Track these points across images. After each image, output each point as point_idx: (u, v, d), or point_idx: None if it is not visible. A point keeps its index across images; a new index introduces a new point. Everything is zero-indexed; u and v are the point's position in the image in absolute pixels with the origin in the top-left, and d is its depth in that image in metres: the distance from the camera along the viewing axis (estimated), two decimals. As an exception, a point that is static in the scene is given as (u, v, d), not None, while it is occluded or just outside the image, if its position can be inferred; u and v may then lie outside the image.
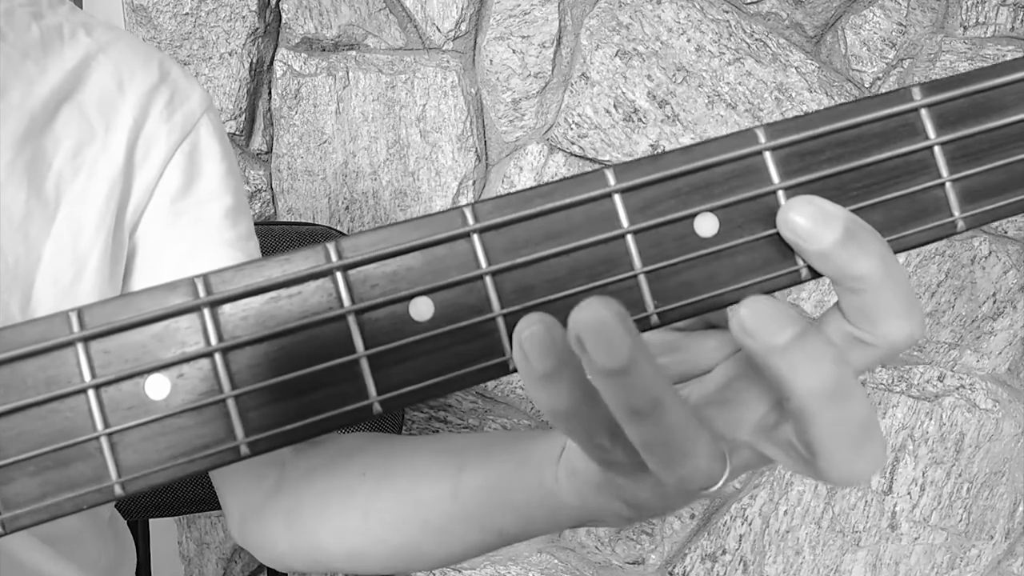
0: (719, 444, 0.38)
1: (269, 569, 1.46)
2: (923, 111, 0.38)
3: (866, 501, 1.77)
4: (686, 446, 0.36)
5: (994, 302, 1.72)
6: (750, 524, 1.78)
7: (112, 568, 0.80)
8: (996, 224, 1.69)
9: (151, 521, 1.44)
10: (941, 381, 1.75)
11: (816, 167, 0.37)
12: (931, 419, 1.75)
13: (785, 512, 1.77)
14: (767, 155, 0.37)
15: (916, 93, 0.38)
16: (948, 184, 0.38)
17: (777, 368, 0.34)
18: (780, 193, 0.37)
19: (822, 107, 1.58)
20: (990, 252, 1.70)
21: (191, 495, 1.35)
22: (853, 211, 0.37)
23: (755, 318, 0.34)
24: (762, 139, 0.37)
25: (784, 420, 0.38)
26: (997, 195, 0.38)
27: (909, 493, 1.77)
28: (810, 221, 0.36)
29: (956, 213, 0.38)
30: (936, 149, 0.38)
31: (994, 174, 0.38)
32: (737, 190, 0.37)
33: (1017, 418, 1.75)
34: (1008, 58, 1.60)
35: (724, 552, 1.79)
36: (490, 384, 1.73)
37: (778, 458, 0.39)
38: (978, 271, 1.70)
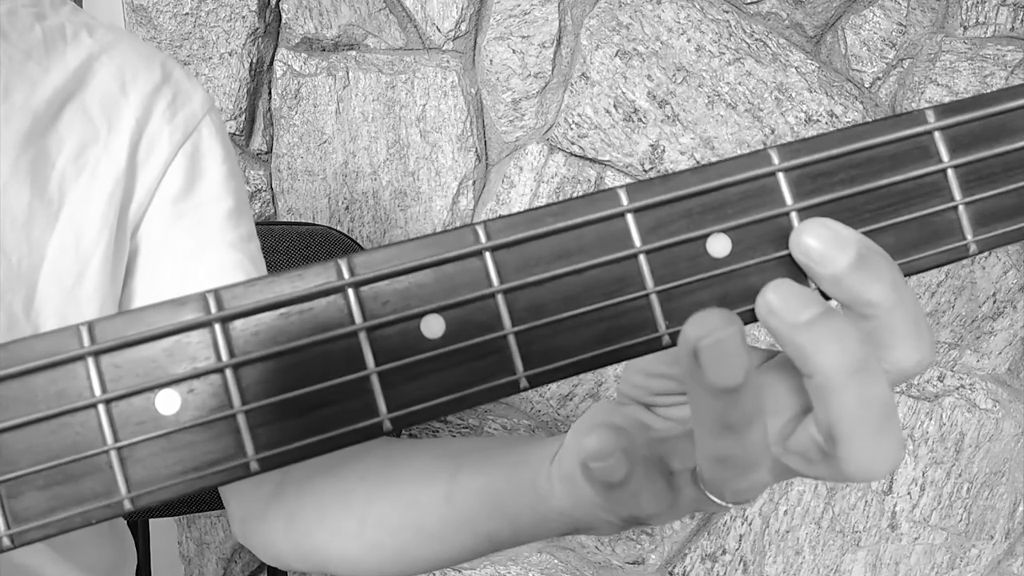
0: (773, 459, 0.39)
1: (269, 569, 1.46)
2: (936, 134, 0.38)
3: (866, 501, 1.77)
4: (757, 459, 0.37)
5: (994, 302, 1.72)
6: (750, 524, 1.78)
7: (112, 569, 0.80)
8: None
9: (151, 521, 1.44)
10: (941, 381, 1.75)
11: (829, 188, 0.37)
12: (931, 419, 1.75)
13: (785, 512, 1.77)
14: (780, 176, 0.37)
15: (930, 116, 0.38)
16: (961, 207, 0.38)
17: (802, 344, 0.34)
18: (793, 214, 0.37)
19: (822, 107, 1.59)
20: (990, 252, 1.70)
21: (191, 495, 1.34)
22: (865, 233, 0.37)
23: (780, 298, 0.35)
24: (775, 160, 0.37)
25: (803, 424, 0.38)
26: (1010, 218, 0.38)
27: (909, 493, 1.77)
28: (823, 244, 0.36)
29: (969, 236, 0.38)
30: (949, 172, 0.38)
31: (1007, 197, 0.38)
32: (750, 211, 0.37)
33: (1017, 418, 1.75)
34: (1008, 58, 1.60)
35: (724, 552, 1.79)
36: (490, 384, 1.73)
37: (797, 465, 0.39)
38: (978, 271, 1.70)
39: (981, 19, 1.65)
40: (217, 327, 0.34)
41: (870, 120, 0.38)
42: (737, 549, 1.79)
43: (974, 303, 1.72)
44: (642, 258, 0.36)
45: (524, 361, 0.35)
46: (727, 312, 0.32)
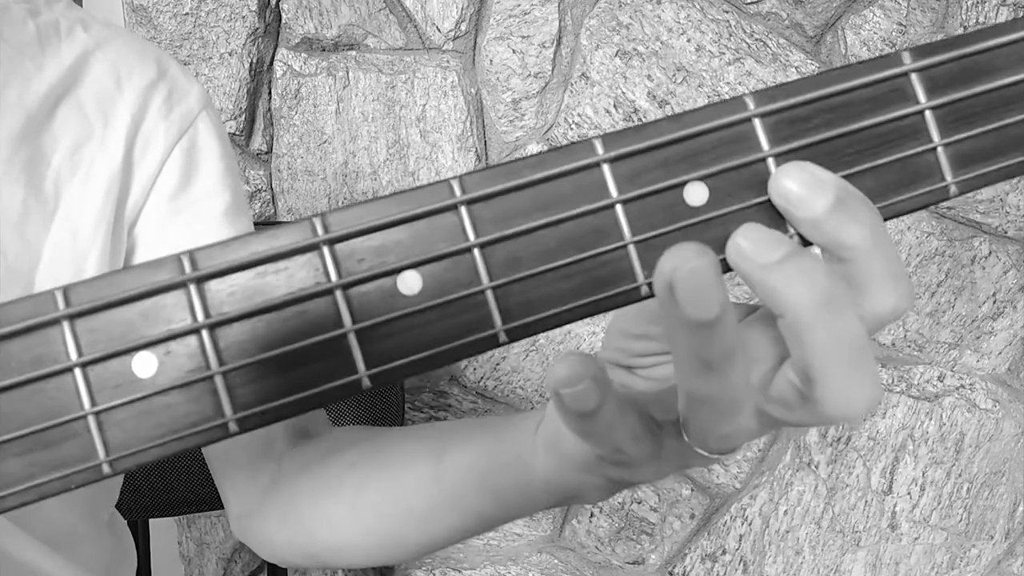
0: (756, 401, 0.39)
1: (269, 569, 1.46)
2: (913, 75, 0.38)
3: (866, 501, 1.77)
4: (740, 401, 0.37)
5: (994, 302, 1.72)
6: (750, 524, 1.78)
7: (112, 568, 0.80)
8: (996, 224, 1.69)
9: (151, 521, 1.44)
10: (941, 381, 1.75)
11: (806, 133, 0.37)
12: (931, 419, 1.75)
13: (785, 512, 1.77)
14: (756, 122, 0.37)
15: (906, 57, 0.37)
16: (940, 149, 0.38)
17: (772, 284, 0.34)
18: (770, 160, 0.37)
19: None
20: (990, 252, 1.70)
21: (191, 495, 1.35)
22: (845, 177, 0.37)
23: (749, 241, 0.35)
24: (751, 106, 0.37)
25: (782, 367, 0.38)
26: (989, 159, 0.38)
27: (909, 493, 1.77)
28: (802, 187, 0.36)
29: (948, 178, 0.38)
30: (927, 113, 0.38)
31: (986, 138, 0.38)
32: (727, 158, 0.37)
33: (1017, 418, 1.75)
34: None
35: (724, 552, 1.78)
36: (490, 384, 1.73)
37: (778, 413, 0.39)
38: (978, 271, 1.70)
39: (981, 19, 1.65)
40: (192, 288, 0.33)
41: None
42: (737, 549, 1.78)
43: (974, 303, 1.72)
44: (619, 208, 0.36)
45: (503, 315, 0.35)
46: (700, 245, 0.31)
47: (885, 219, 0.37)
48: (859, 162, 0.37)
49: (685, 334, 0.33)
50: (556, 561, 1.79)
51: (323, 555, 0.67)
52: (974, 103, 0.38)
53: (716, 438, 0.39)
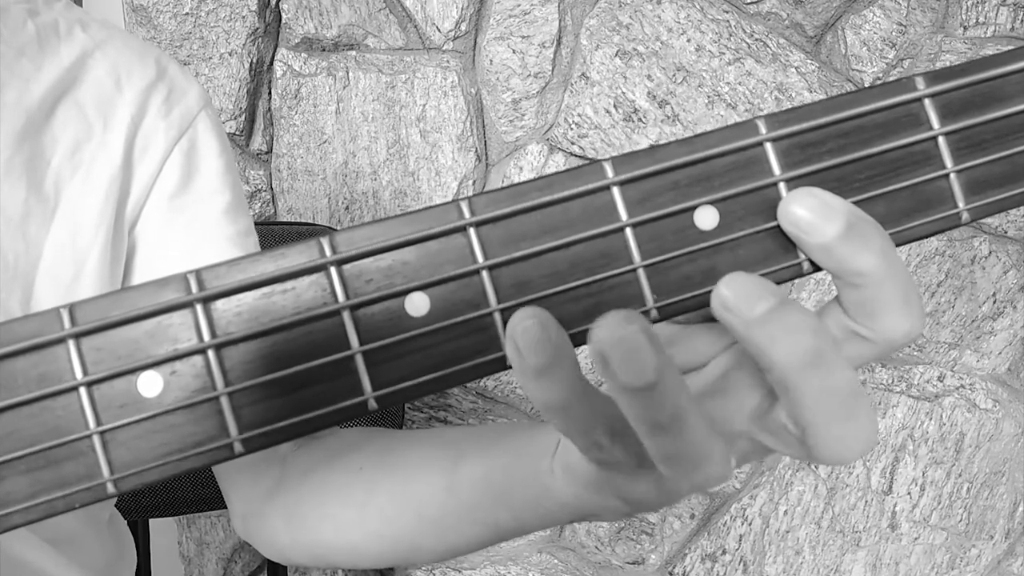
0: (727, 446, 0.38)
1: (269, 569, 1.45)
2: (927, 101, 0.37)
3: (866, 501, 1.77)
4: (704, 454, 0.36)
5: (994, 302, 1.71)
6: (750, 524, 1.78)
7: (112, 568, 0.79)
8: (996, 224, 1.69)
9: (151, 521, 1.44)
10: (941, 381, 1.75)
11: (818, 158, 0.37)
12: (931, 419, 1.75)
13: (785, 512, 1.77)
14: (768, 146, 0.36)
15: (920, 83, 0.37)
16: (952, 175, 0.37)
17: (757, 340, 0.34)
18: (781, 185, 0.36)
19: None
20: (990, 252, 1.70)
21: (191, 495, 1.35)
22: (855, 203, 0.37)
23: (733, 293, 0.34)
24: (763, 130, 0.36)
25: (776, 404, 0.38)
26: (1002, 186, 0.38)
27: (909, 493, 1.77)
28: (812, 214, 0.35)
29: (961, 204, 0.37)
30: (940, 139, 0.37)
31: (999, 165, 0.38)
32: (737, 182, 0.36)
33: (1017, 418, 1.75)
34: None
35: (724, 552, 1.78)
36: (489, 384, 1.73)
37: (772, 444, 0.39)
38: (978, 271, 1.70)
39: (981, 19, 1.65)
40: (199, 307, 0.33)
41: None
42: (737, 549, 1.78)
43: (974, 303, 1.71)
44: (628, 232, 0.36)
45: None
46: (628, 312, 0.31)
47: (896, 246, 0.37)
48: (870, 188, 0.37)
49: (627, 399, 0.33)
50: (556, 561, 1.79)
51: (330, 556, 0.67)
52: (987, 129, 0.37)
53: (688, 486, 0.38)
